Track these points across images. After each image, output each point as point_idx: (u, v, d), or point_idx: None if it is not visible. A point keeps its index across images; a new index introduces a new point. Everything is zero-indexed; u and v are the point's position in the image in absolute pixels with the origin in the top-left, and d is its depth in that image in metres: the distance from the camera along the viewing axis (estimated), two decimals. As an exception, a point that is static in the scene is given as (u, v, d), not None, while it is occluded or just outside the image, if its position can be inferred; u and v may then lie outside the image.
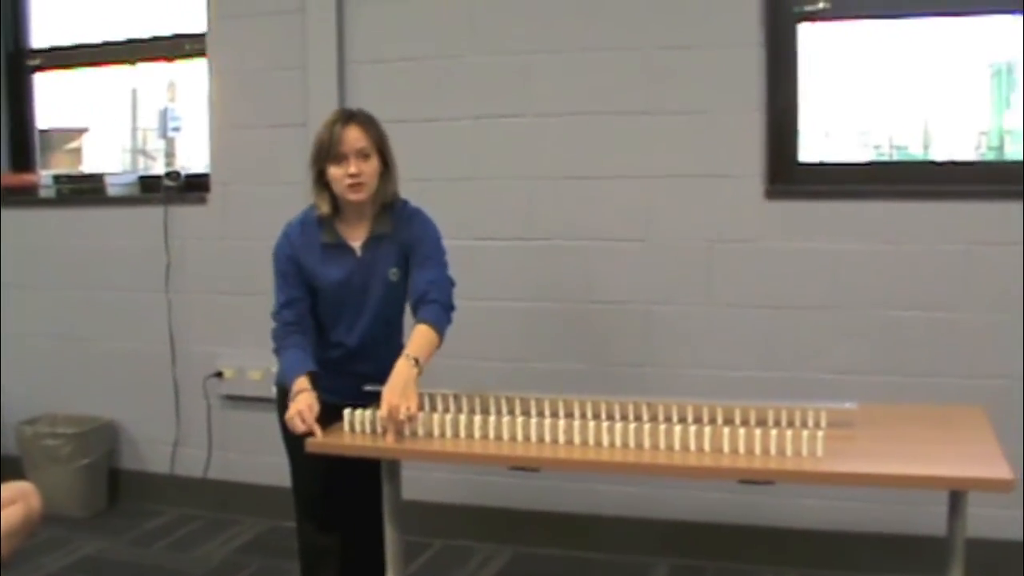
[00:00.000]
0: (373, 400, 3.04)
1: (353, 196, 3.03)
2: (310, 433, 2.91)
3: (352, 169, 3.00)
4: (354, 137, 3.02)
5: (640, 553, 4.17)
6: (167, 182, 4.80)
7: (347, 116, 3.09)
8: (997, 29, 3.90)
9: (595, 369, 4.17)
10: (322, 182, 3.08)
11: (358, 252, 3.13)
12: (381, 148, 3.08)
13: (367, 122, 3.08)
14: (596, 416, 2.86)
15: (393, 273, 3.13)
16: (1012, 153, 4.09)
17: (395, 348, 3.12)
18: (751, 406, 2.82)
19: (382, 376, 2.96)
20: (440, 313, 3.07)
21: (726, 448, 2.61)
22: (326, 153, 3.02)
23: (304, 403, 2.94)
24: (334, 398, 3.06)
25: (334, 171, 3.02)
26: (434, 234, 3.18)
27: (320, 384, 3.07)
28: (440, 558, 4.26)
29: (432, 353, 3.02)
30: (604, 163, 4.14)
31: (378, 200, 3.11)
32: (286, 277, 3.14)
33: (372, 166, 3.04)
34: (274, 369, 3.35)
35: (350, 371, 3.13)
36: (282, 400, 3.26)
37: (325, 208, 3.09)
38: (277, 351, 3.15)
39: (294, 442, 3.07)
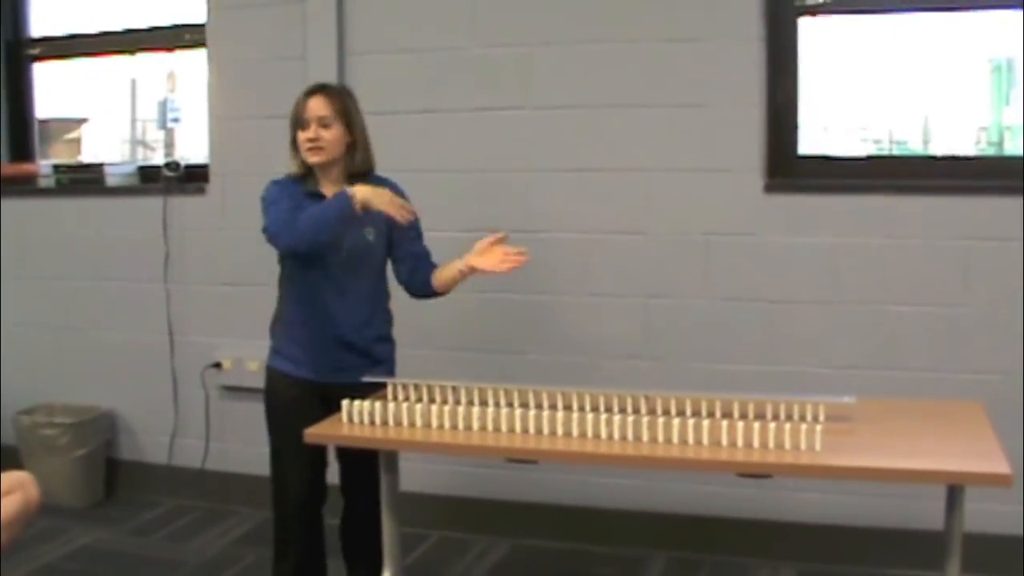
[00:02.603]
0: (371, 391, 3.05)
1: (311, 158, 3.21)
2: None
3: (311, 134, 3.19)
4: (315, 106, 3.21)
5: (638, 546, 4.17)
6: (166, 172, 4.79)
7: (314, 88, 3.29)
8: (997, 24, 3.90)
9: (593, 361, 4.17)
10: (295, 147, 3.28)
11: None
12: (346, 120, 3.23)
13: (333, 94, 3.27)
14: (594, 408, 2.86)
15: (368, 232, 3.22)
16: (1012, 149, 4.10)
17: (378, 323, 3.30)
18: (749, 399, 2.82)
19: (364, 346, 3.22)
20: None
21: (724, 441, 2.61)
22: (295, 121, 3.25)
23: (385, 193, 3.09)
24: (316, 375, 3.22)
25: (299, 135, 3.23)
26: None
27: (302, 361, 3.24)
28: (437, 550, 4.26)
29: (449, 275, 3.27)
30: (603, 156, 4.14)
31: (346, 170, 3.27)
32: (279, 201, 3.20)
33: (333, 133, 3.21)
34: (272, 361, 3.38)
35: (332, 338, 3.22)
36: (270, 385, 3.30)
37: (296, 168, 3.29)
38: (293, 230, 3.09)
39: (278, 428, 3.27)
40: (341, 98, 3.26)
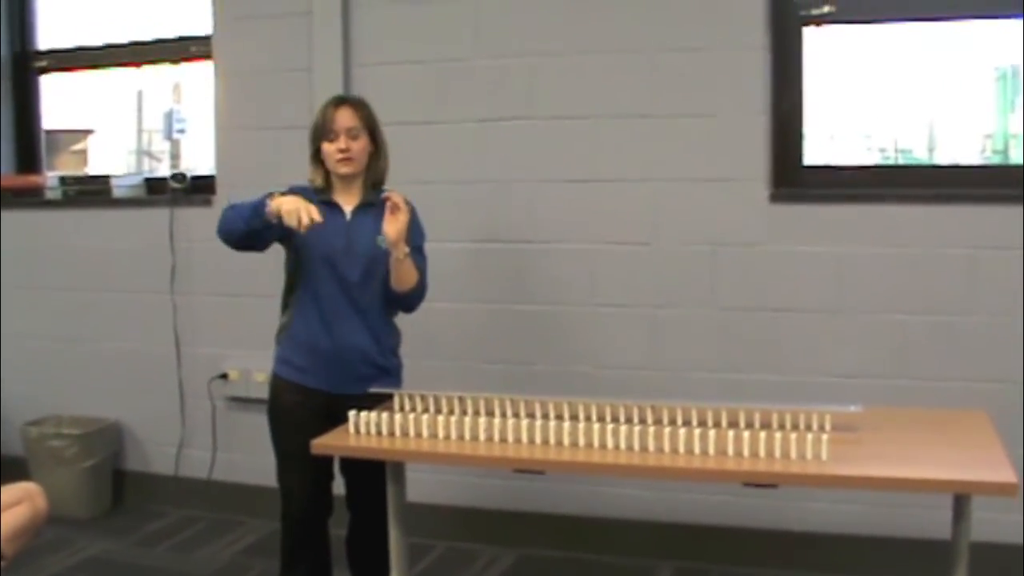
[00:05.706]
0: (377, 402, 3.06)
1: (343, 169, 3.26)
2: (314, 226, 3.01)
3: (342, 145, 3.24)
4: (344, 117, 3.26)
5: (644, 556, 4.16)
6: (172, 184, 4.81)
7: (339, 100, 3.36)
8: (1002, 33, 3.90)
9: (599, 372, 4.18)
10: (318, 159, 3.32)
11: (348, 216, 3.30)
12: (371, 129, 3.32)
13: (358, 105, 3.34)
14: (600, 419, 2.86)
15: (381, 240, 3.22)
16: (1016, 157, 4.09)
17: (390, 332, 3.35)
18: (755, 409, 2.82)
19: (379, 357, 3.25)
20: (421, 295, 3.31)
21: (730, 451, 2.61)
22: (320, 132, 3.28)
23: (293, 200, 3.02)
24: (326, 386, 3.23)
25: (326, 147, 3.27)
26: (422, 228, 3.37)
27: (311, 371, 3.25)
28: (444, 560, 4.26)
29: (402, 270, 3.19)
30: (609, 166, 4.14)
31: (369, 178, 3.34)
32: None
33: (361, 144, 3.28)
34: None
35: (346, 349, 3.23)
36: (276, 393, 3.32)
37: (319, 181, 3.33)
38: (225, 224, 3.17)
39: (283, 438, 3.28)
40: (366, 108, 3.33)
